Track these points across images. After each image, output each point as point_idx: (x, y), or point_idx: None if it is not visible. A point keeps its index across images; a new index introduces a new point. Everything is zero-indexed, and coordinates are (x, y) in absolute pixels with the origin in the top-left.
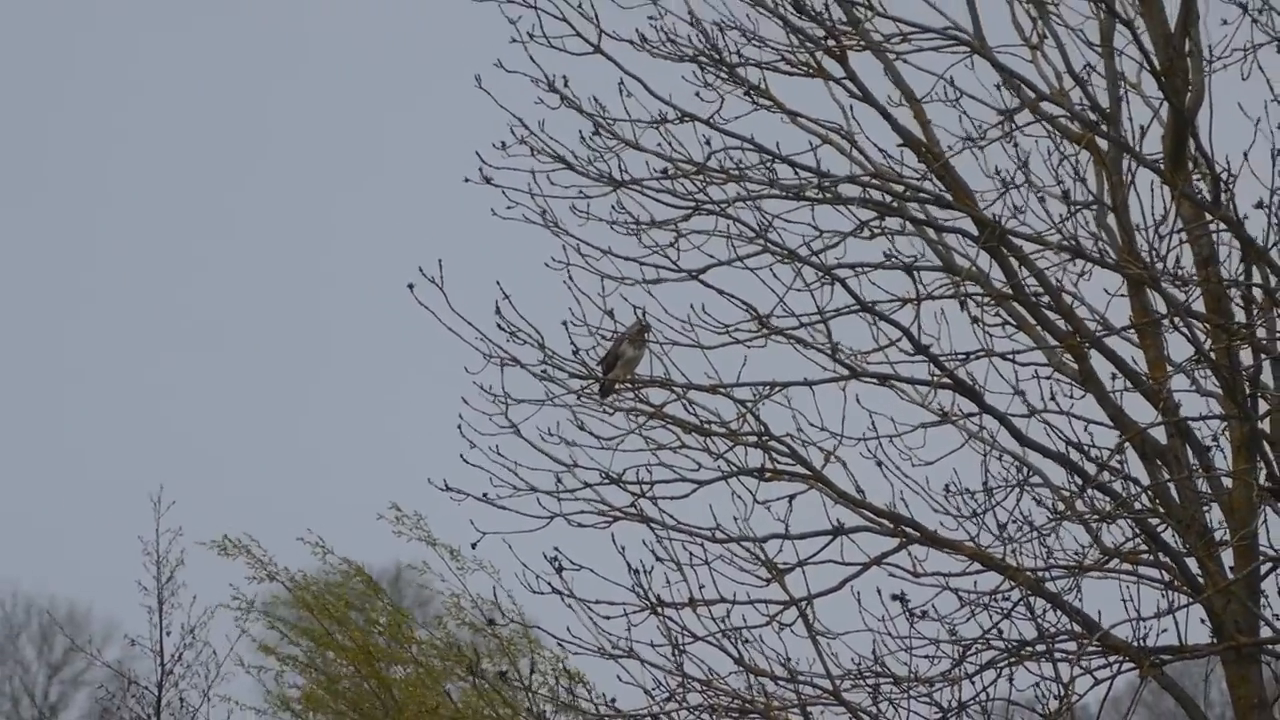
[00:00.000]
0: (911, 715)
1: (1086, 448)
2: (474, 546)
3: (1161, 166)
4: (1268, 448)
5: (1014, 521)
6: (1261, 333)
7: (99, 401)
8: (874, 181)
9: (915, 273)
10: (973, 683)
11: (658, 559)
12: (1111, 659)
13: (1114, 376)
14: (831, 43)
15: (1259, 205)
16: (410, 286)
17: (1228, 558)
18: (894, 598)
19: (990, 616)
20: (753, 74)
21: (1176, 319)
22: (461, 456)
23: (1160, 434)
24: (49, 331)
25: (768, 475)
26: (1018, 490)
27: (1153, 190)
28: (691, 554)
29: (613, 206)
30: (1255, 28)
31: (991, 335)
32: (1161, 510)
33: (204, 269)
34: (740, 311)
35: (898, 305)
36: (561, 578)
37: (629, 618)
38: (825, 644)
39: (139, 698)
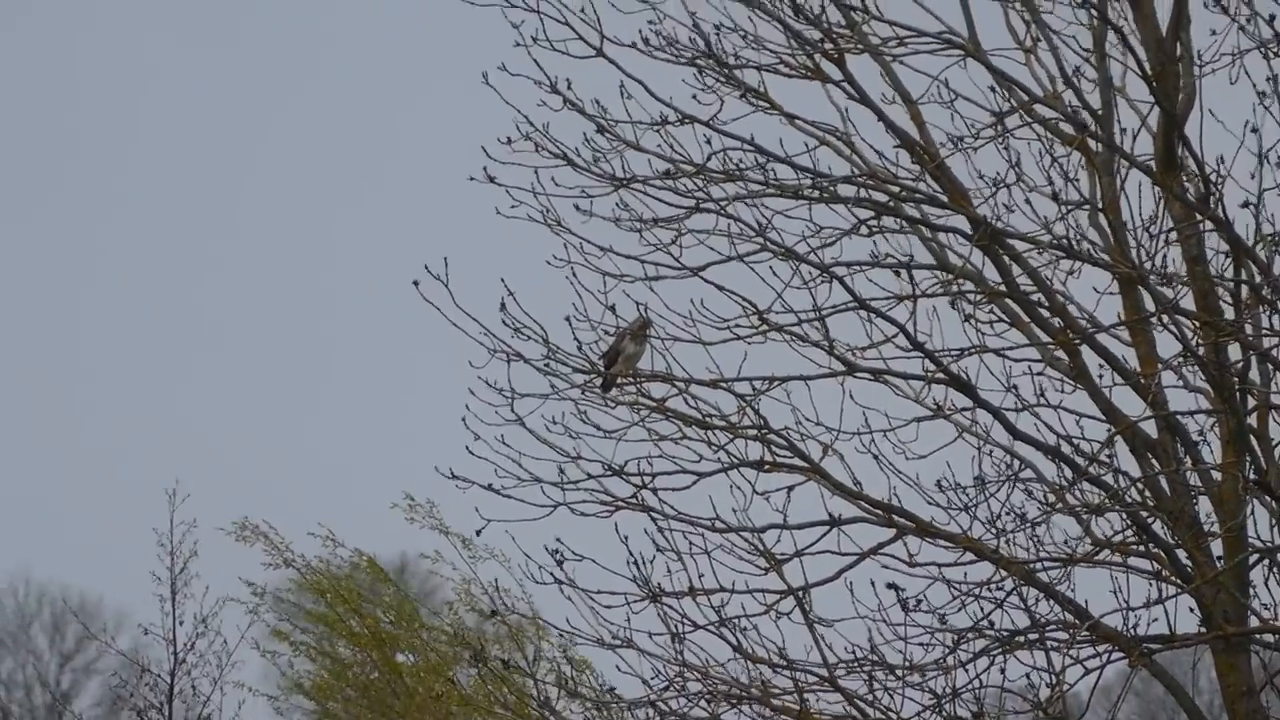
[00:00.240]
0: (906, 702)
1: (1078, 441)
2: (478, 534)
3: (1152, 168)
4: (1255, 442)
5: (1006, 513)
6: (1249, 330)
7: (113, 397)
8: (870, 182)
9: (910, 271)
10: (966, 671)
11: (658, 548)
12: (1102, 648)
13: (1102, 368)
14: (829, 46)
15: (1245, 205)
16: (415, 284)
17: (1217, 549)
18: (889, 587)
19: (982, 606)
20: (752, 77)
21: (1165, 317)
22: (467, 448)
23: (1151, 428)
24: (64, 328)
25: (766, 467)
26: (1009, 483)
27: (1140, 191)
28: (691, 544)
29: (615, 205)
30: (1242, 35)
31: (984, 334)
32: (1152, 502)
33: (215, 267)
34: (740, 308)
35: (893, 303)
36: (562, 569)
37: (629, 606)
38: (821, 632)
39: (152, 685)
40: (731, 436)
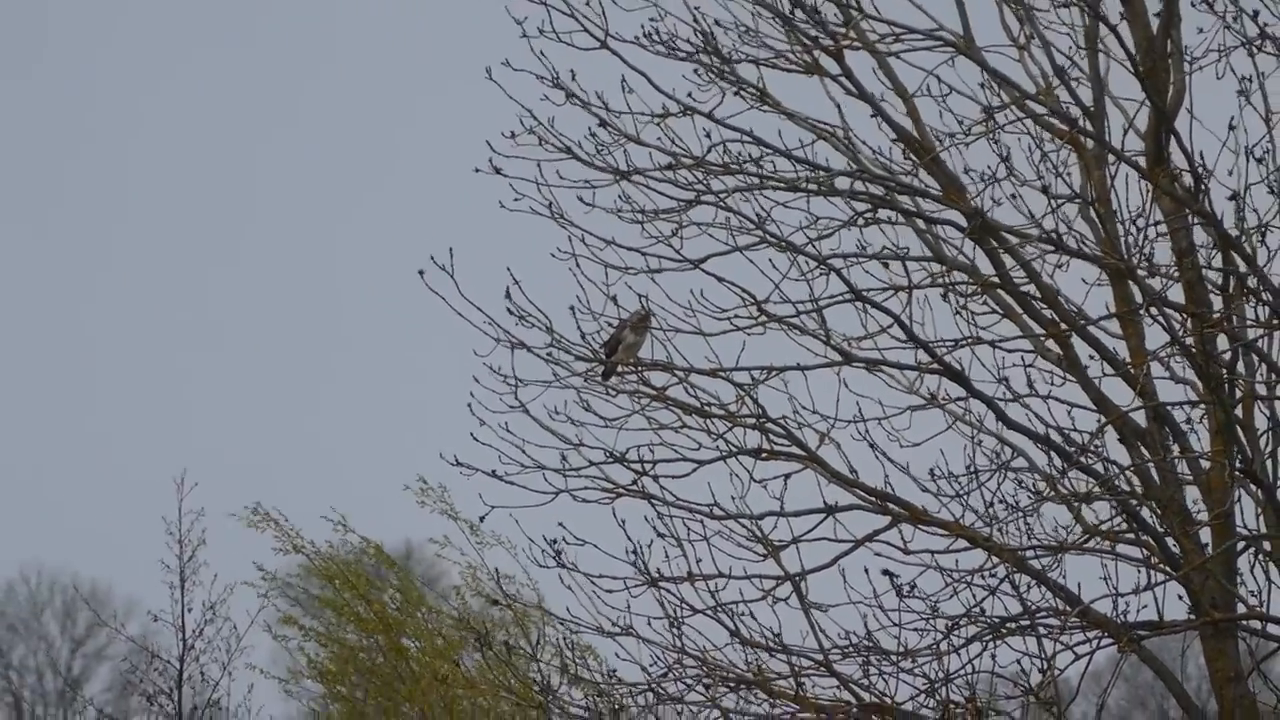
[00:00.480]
0: (900, 687)
1: (1068, 431)
2: (482, 520)
3: (1143, 163)
4: (1241, 432)
5: (999, 502)
6: (1235, 321)
7: (122, 389)
8: (866, 175)
9: (905, 263)
10: (959, 656)
11: (658, 534)
12: (1092, 634)
13: (1092, 358)
14: (829, 41)
15: (1232, 198)
16: (421, 273)
17: (1205, 536)
18: (884, 573)
19: (975, 593)
20: (751, 73)
21: (1153, 308)
22: (472, 434)
23: (1141, 418)
24: (74, 321)
25: (764, 455)
26: (1001, 472)
27: (1128, 184)
28: (690, 530)
29: (617, 198)
30: (1228, 33)
31: (977, 325)
32: (1141, 491)
33: (223, 260)
34: (739, 299)
35: (889, 294)
36: (560, 559)
37: (629, 591)
38: (817, 618)
39: (161, 671)
40: (730, 425)
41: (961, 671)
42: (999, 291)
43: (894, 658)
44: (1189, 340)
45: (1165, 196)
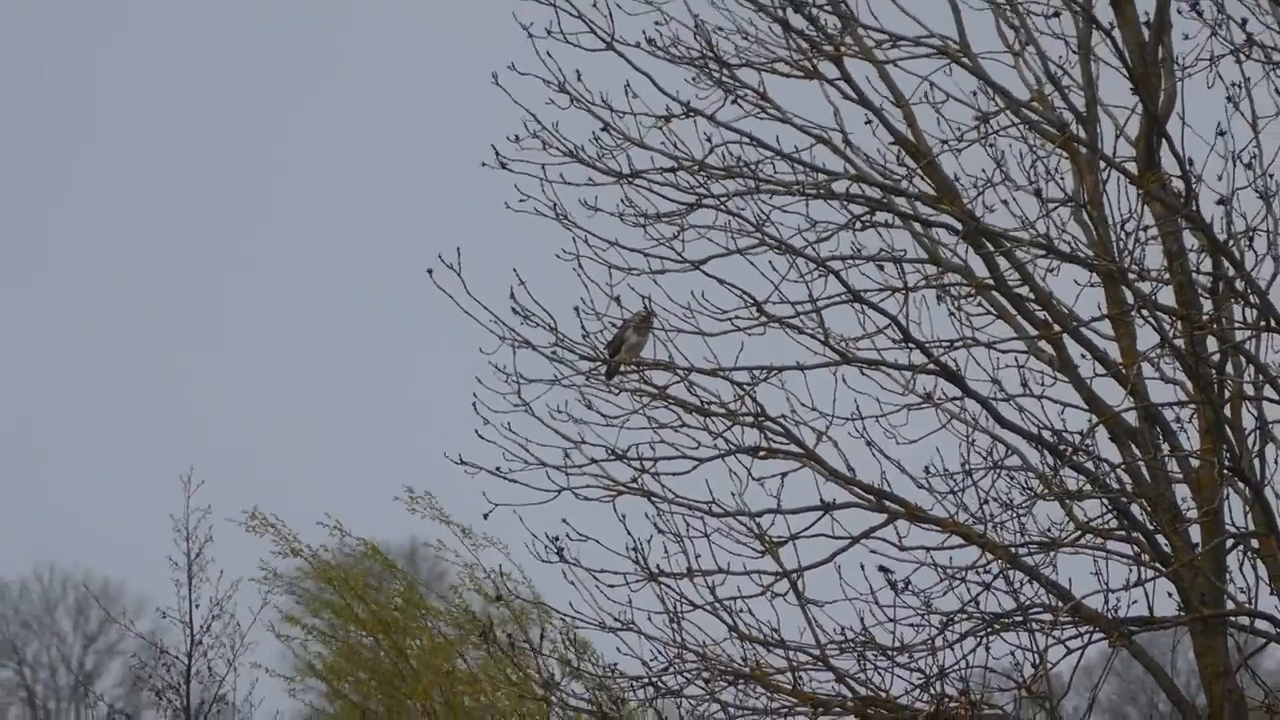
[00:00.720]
0: (895, 681)
1: (1061, 431)
2: (486, 517)
3: (1134, 168)
4: (1230, 431)
5: (993, 499)
6: (1224, 323)
7: (131, 391)
8: (864, 179)
9: (900, 265)
10: (953, 651)
11: (659, 531)
12: (1084, 629)
13: (1083, 358)
14: (829, 47)
15: (1220, 202)
16: (429, 272)
17: (1194, 534)
18: (880, 570)
19: (969, 589)
20: (751, 77)
21: (1144, 310)
22: (476, 431)
23: (1132, 418)
24: (84, 325)
25: (763, 453)
26: (995, 470)
27: (1120, 189)
28: (690, 527)
29: (620, 201)
30: (1216, 40)
31: (973, 326)
32: (1132, 489)
33: (229, 263)
34: (739, 300)
35: (886, 295)
36: (561, 557)
37: (629, 586)
38: (814, 614)
39: (170, 666)
40: (730, 424)
41: (956, 666)
42: (993, 293)
43: (889, 653)
44: (1179, 341)
45: (1156, 201)
